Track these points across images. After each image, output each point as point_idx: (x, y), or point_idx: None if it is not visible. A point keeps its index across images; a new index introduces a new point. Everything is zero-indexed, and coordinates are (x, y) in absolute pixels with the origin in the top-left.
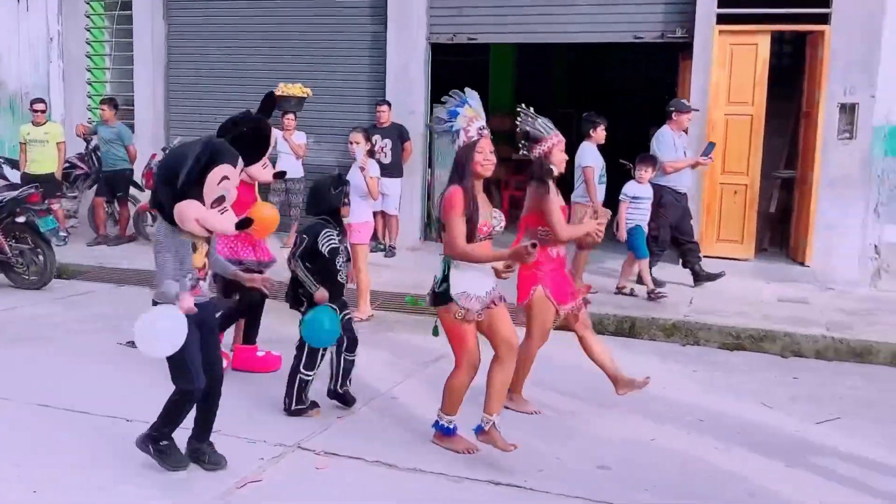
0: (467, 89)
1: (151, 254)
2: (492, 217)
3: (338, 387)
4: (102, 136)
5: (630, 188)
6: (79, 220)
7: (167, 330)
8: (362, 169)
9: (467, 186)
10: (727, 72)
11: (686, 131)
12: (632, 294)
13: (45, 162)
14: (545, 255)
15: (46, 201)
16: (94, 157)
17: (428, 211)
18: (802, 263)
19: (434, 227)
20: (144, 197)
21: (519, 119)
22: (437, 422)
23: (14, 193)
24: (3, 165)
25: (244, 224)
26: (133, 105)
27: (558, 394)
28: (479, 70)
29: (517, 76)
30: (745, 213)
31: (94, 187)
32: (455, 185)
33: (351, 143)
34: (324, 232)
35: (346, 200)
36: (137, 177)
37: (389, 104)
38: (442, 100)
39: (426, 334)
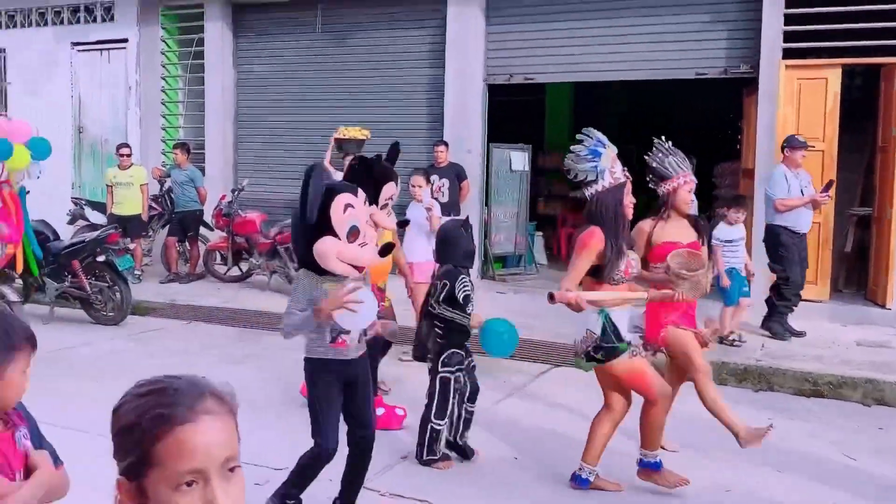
0: (588, 129)
1: (220, 291)
2: (630, 258)
3: (457, 438)
4: (175, 178)
5: (721, 231)
6: (152, 259)
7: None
8: (429, 209)
9: (612, 228)
10: (795, 107)
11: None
12: (737, 342)
13: (129, 203)
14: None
15: (128, 240)
16: (167, 199)
17: (485, 249)
18: (882, 305)
19: (491, 265)
20: (214, 236)
21: (651, 152)
22: (641, 460)
23: (95, 234)
24: (84, 207)
25: (386, 250)
26: (204, 149)
27: (629, 439)
28: (535, 108)
29: (574, 113)
30: (818, 253)
31: (167, 227)
32: (595, 226)
33: (413, 185)
34: (461, 278)
35: (473, 244)
36: (208, 217)
37: (447, 144)
38: (578, 137)
39: (490, 373)
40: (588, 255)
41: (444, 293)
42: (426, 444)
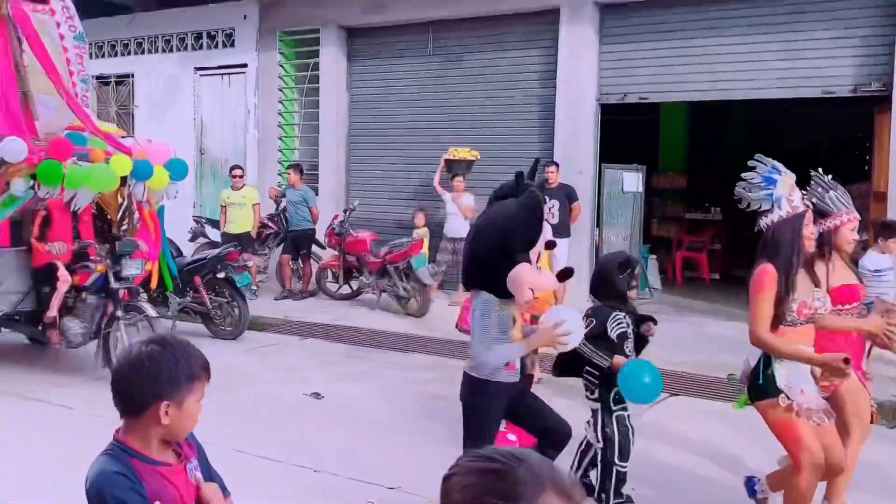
0: (760, 155)
1: (332, 309)
2: (814, 297)
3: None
4: (289, 198)
5: (871, 260)
6: (267, 276)
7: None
8: None
9: (785, 263)
10: None
11: None
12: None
13: (241, 222)
14: (849, 341)
15: (243, 258)
16: (282, 218)
17: None
18: None
19: None
20: (326, 255)
21: (808, 187)
22: None
23: (216, 251)
24: (205, 225)
25: (565, 275)
26: (318, 169)
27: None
28: (648, 128)
29: (690, 133)
30: None
31: (282, 245)
32: (766, 262)
33: None
34: (612, 316)
35: (633, 283)
36: (320, 236)
37: (557, 165)
38: (749, 164)
39: None
40: (768, 296)
41: (587, 329)
42: (612, 489)
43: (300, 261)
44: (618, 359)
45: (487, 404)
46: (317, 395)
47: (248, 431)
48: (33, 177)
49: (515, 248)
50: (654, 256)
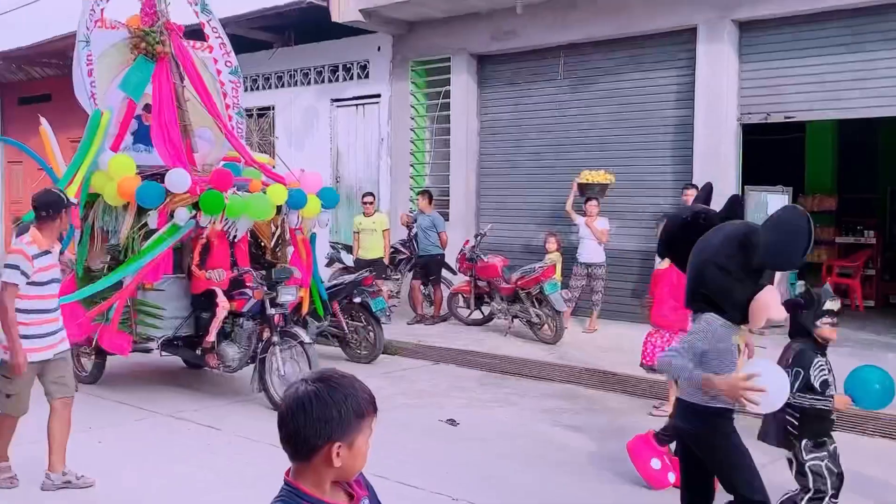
0: None
1: (463, 334)
2: None
3: None
4: (419, 223)
5: None
6: (399, 301)
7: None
8: None
9: None
10: None
11: None
12: None
13: (373, 248)
14: None
15: (377, 283)
16: (414, 243)
17: None
18: None
19: None
20: (458, 280)
21: None
22: None
23: (352, 277)
24: (341, 251)
25: (795, 305)
26: (449, 195)
27: None
28: (793, 147)
29: (839, 152)
30: None
31: (413, 270)
32: None
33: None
34: (815, 363)
35: (826, 319)
36: (452, 261)
37: (696, 187)
38: None
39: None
40: None
41: (798, 382)
42: None
43: (430, 286)
44: (839, 398)
45: (724, 433)
46: (452, 422)
47: (386, 457)
48: (194, 206)
49: (774, 266)
50: (803, 282)
